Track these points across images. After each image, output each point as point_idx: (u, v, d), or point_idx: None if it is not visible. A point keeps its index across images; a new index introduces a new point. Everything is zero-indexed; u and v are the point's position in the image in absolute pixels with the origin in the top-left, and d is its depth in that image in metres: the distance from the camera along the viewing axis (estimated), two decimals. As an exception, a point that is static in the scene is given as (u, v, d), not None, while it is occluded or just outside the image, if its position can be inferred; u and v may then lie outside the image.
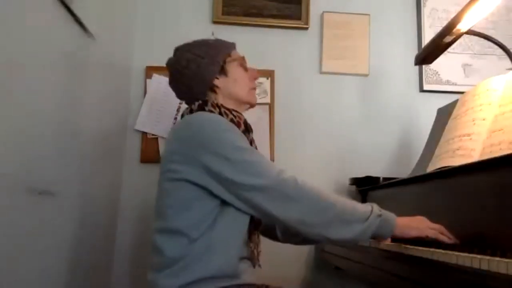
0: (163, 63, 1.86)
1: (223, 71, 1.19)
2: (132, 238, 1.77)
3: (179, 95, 1.25)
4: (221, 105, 1.14)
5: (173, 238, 1.00)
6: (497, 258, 0.68)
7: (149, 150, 1.82)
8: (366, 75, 1.98)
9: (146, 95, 1.85)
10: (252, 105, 1.25)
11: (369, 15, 2.00)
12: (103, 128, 1.56)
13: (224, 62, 1.19)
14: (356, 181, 1.72)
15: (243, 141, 1.04)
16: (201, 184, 0.99)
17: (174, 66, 1.21)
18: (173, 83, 1.24)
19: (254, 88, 1.26)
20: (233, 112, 1.15)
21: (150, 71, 1.87)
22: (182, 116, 1.18)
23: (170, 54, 1.86)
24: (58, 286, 1.22)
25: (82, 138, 1.35)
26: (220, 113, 1.11)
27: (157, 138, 1.83)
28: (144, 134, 1.84)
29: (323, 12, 1.99)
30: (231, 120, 1.11)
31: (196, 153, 0.99)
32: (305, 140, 1.90)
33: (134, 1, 1.90)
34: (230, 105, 1.17)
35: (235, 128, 1.07)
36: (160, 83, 1.86)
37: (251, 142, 1.16)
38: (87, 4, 1.29)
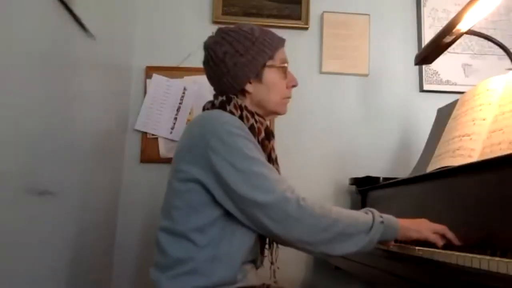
0: (163, 63, 1.90)
1: (258, 76, 1.11)
2: (132, 238, 1.77)
3: (209, 81, 1.18)
4: (245, 107, 1.09)
5: (178, 240, 0.98)
6: (497, 258, 0.68)
7: (149, 150, 1.82)
8: (366, 75, 1.98)
9: (146, 95, 1.85)
10: (279, 115, 1.20)
11: (369, 15, 2.00)
12: (103, 128, 1.56)
13: (264, 66, 1.12)
14: (356, 181, 1.72)
15: (255, 150, 0.99)
16: (208, 188, 0.97)
17: (210, 53, 1.13)
18: (205, 68, 1.16)
19: (288, 97, 1.19)
20: (256, 117, 1.09)
21: (150, 71, 1.87)
22: (204, 108, 1.14)
23: (170, 54, 1.90)
24: (58, 285, 1.22)
25: (82, 138, 1.35)
26: (241, 116, 1.06)
27: (157, 138, 1.83)
28: (144, 134, 1.84)
29: (323, 12, 1.99)
30: (251, 126, 1.06)
31: (206, 155, 0.96)
32: (305, 140, 1.90)
33: (134, 1, 1.90)
34: (255, 109, 1.12)
35: (250, 135, 1.02)
36: (160, 83, 1.86)
37: (271, 150, 1.11)
38: (87, 4, 1.29)
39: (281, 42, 1.17)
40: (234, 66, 1.09)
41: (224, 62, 1.10)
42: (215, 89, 1.17)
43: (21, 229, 1.00)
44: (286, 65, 1.17)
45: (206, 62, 1.15)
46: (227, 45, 1.10)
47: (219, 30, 1.15)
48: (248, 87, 1.12)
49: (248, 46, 1.10)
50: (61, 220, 1.22)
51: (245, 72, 1.10)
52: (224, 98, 1.09)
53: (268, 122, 1.15)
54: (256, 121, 1.08)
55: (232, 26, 1.16)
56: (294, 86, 1.19)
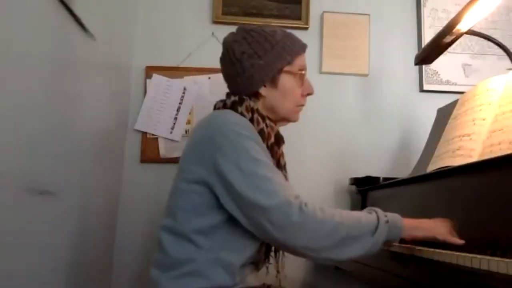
0: (163, 63, 1.90)
1: (273, 81, 1.09)
2: (132, 238, 1.77)
3: (223, 77, 1.16)
4: (257, 110, 1.07)
5: (179, 241, 0.98)
6: (497, 258, 0.69)
7: (149, 150, 1.82)
8: (366, 75, 1.98)
9: (146, 95, 1.85)
10: (291, 122, 1.17)
11: (369, 15, 2.00)
12: (103, 128, 1.56)
13: (280, 71, 1.09)
14: (356, 181, 1.72)
15: (262, 153, 0.97)
16: (212, 189, 0.96)
17: (227, 51, 1.11)
18: (221, 64, 1.15)
19: (302, 105, 1.16)
20: (267, 121, 1.07)
21: (150, 71, 1.87)
22: (215, 107, 1.13)
23: (170, 54, 1.90)
24: (58, 285, 1.22)
25: (82, 138, 1.35)
26: (252, 119, 1.04)
27: (157, 138, 1.83)
28: (144, 134, 1.84)
29: (323, 12, 1.99)
30: (261, 130, 1.04)
31: (212, 155, 0.95)
32: (305, 140, 1.90)
33: (134, 1, 1.90)
34: (267, 113, 1.10)
35: (258, 138, 1.00)
36: (160, 83, 1.86)
37: (280, 156, 1.10)
38: (87, 4, 1.29)
39: (302, 48, 1.14)
40: (251, 67, 1.07)
41: (240, 62, 1.08)
42: (228, 87, 1.15)
43: (21, 229, 1.00)
44: (304, 72, 1.14)
45: (222, 58, 1.14)
46: (246, 45, 1.08)
47: (240, 28, 1.13)
48: (262, 91, 1.10)
49: (268, 49, 1.08)
50: (61, 220, 1.22)
51: (260, 75, 1.08)
52: (236, 98, 1.08)
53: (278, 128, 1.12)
54: (266, 126, 1.07)
55: (254, 25, 1.14)
56: (309, 94, 1.17)
